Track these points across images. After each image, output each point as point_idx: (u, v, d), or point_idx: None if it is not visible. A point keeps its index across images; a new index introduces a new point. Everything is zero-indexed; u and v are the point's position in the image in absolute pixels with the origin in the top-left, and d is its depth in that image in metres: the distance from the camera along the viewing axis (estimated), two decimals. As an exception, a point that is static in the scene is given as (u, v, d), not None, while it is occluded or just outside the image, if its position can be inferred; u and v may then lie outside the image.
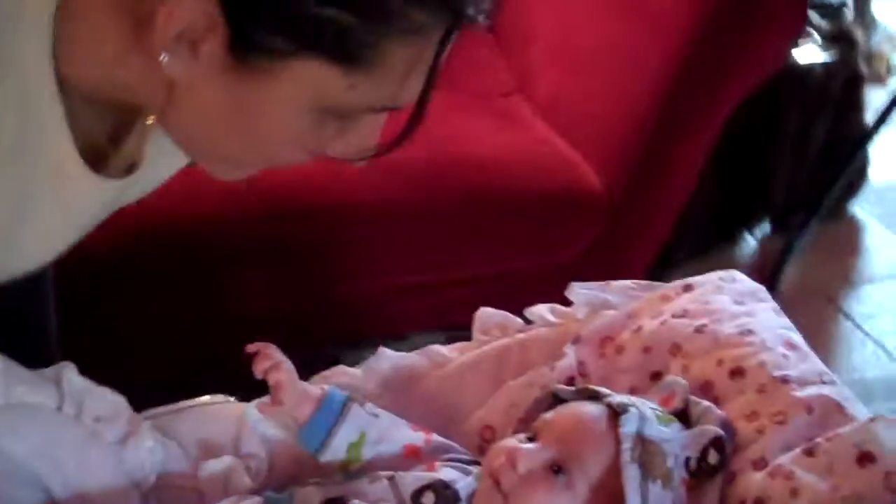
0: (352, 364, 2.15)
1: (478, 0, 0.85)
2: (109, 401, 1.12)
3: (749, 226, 2.59)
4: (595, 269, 2.12)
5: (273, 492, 1.09)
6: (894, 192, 2.80)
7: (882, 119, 2.33)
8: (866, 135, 2.40)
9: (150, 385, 1.17)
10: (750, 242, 2.62)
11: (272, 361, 1.11)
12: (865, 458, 0.95)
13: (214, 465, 1.12)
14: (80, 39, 0.85)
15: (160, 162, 1.03)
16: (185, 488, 1.12)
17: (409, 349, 2.19)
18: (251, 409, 1.17)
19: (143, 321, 1.82)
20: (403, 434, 1.11)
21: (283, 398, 1.09)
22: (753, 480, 0.99)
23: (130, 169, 0.98)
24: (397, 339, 2.17)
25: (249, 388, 1.15)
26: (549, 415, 1.05)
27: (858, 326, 2.35)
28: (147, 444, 1.11)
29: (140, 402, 1.15)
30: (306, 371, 2.05)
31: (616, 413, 1.02)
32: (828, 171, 2.46)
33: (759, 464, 1.01)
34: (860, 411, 1.04)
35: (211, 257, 1.83)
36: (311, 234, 1.93)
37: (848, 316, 2.39)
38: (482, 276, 2.11)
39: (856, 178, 2.60)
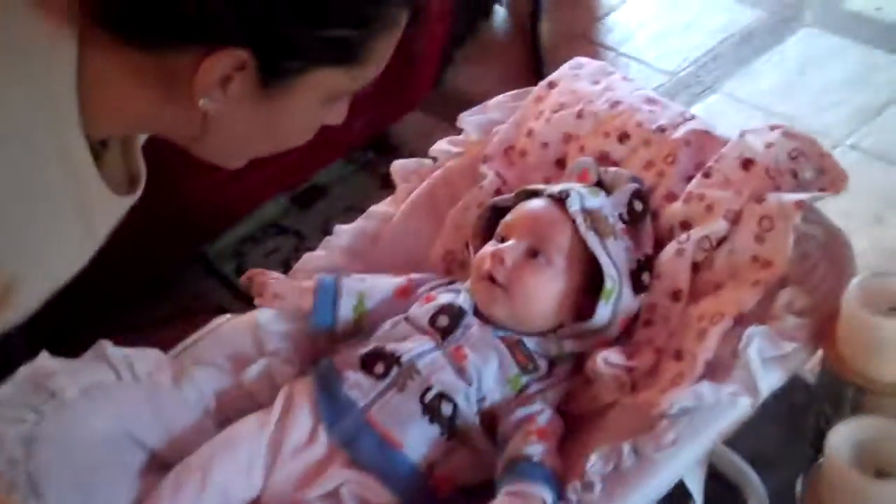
0: (219, 257, 2.29)
1: None
2: (150, 356, 1.29)
3: (495, -1, 2.85)
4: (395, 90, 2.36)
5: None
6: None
7: None
8: None
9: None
10: (501, 11, 2.89)
11: (265, 278, 1.31)
12: (748, 164, 1.26)
13: (254, 369, 1.31)
14: (105, 108, 0.99)
15: None
16: (239, 398, 1.31)
17: (262, 223, 2.36)
18: (259, 314, 1.36)
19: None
20: (390, 282, 1.35)
21: (286, 302, 1.31)
22: (674, 210, 1.29)
23: (133, 183, 1.13)
24: (248, 216, 2.34)
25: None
26: (508, 218, 1.31)
27: (618, 52, 2.69)
28: (198, 377, 1.29)
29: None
30: (187, 275, 2.20)
31: (559, 200, 1.28)
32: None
33: (670, 197, 1.31)
34: (722, 130, 1.35)
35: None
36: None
37: (606, 46, 2.73)
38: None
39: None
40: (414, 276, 1.36)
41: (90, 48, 0.97)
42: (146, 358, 1.28)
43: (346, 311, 1.32)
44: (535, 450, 1.13)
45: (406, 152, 2.51)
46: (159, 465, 1.24)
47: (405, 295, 1.33)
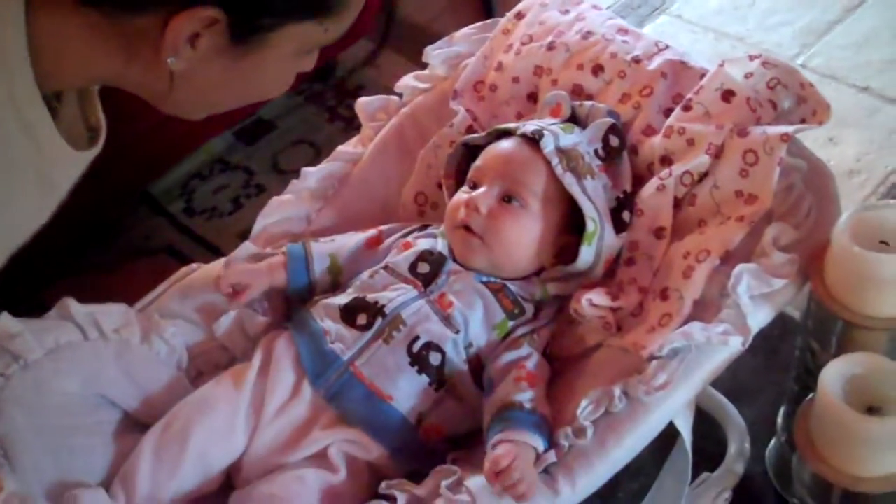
0: (166, 195, 2.22)
1: None
2: (116, 311, 1.24)
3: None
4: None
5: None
6: None
7: None
8: None
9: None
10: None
11: (235, 277, 1.25)
12: (728, 95, 1.23)
13: (225, 320, 1.27)
14: (62, 67, 0.95)
15: None
16: (211, 351, 1.28)
17: (208, 159, 2.29)
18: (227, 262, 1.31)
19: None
20: (358, 236, 1.31)
21: (258, 288, 1.25)
22: (653, 144, 1.26)
23: (94, 136, 1.08)
24: (193, 152, 2.28)
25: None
26: (477, 162, 1.27)
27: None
28: (168, 331, 1.24)
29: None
30: (134, 216, 2.13)
31: (531, 139, 1.24)
32: None
33: (648, 131, 1.28)
34: (697, 60, 1.31)
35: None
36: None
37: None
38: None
39: None
40: (383, 227, 1.32)
41: (40, 8, 0.92)
42: (112, 314, 1.23)
43: (320, 271, 1.27)
44: (525, 396, 1.11)
45: (353, 82, 2.46)
46: (134, 423, 1.20)
47: (376, 244, 1.29)
